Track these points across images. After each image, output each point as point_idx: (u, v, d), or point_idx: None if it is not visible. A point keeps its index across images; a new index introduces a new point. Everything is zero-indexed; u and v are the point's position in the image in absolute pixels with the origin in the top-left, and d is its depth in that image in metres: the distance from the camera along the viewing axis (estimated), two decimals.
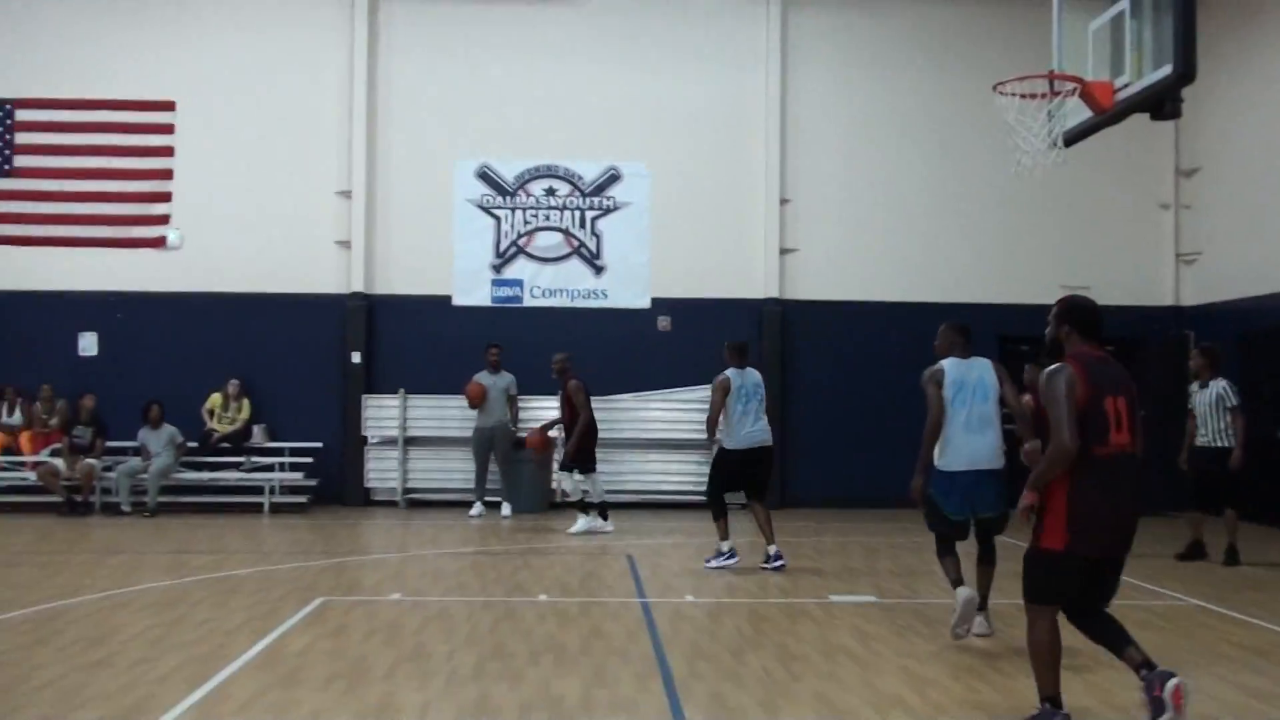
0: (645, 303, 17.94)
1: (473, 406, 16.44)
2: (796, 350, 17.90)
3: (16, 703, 6.48)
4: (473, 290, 17.89)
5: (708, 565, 11.76)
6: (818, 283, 18.03)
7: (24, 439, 16.87)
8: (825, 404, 17.78)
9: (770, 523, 11.72)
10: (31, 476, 16.47)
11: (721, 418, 11.70)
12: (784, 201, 17.96)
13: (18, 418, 16.98)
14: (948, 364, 8.62)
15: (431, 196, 17.86)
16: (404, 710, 6.45)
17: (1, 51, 17.72)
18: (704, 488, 17.35)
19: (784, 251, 17.96)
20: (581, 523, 14.58)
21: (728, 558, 11.72)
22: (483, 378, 16.49)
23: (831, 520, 15.96)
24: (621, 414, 17.17)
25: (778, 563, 11.55)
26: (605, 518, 14.78)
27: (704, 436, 17.16)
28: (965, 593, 8.30)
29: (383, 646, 7.97)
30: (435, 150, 17.88)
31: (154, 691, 6.74)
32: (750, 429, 11.72)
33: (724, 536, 11.78)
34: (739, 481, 11.86)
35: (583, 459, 14.75)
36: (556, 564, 12.06)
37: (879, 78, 18.21)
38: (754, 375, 11.95)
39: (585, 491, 14.75)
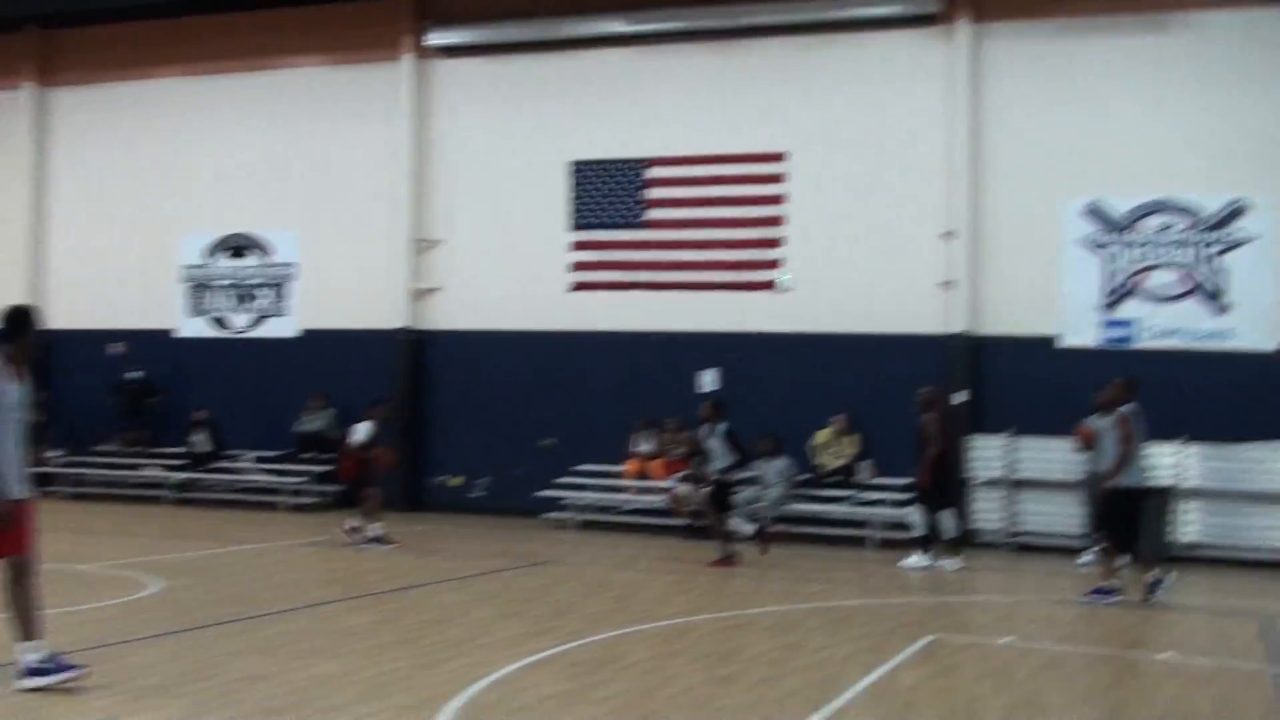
0: (1275, 344, 16.43)
1: (1083, 450, 15.84)
2: None
3: (655, 707, 7.07)
4: (1080, 331, 17.27)
5: (1086, 600, 12.00)
6: None
7: (655, 466, 18.45)
8: None
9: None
10: (661, 501, 17.98)
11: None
12: None
13: (649, 446, 18.63)
14: None
15: (1037, 235, 17.48)
16: None
17: (637, 117, 19.59)
18: None
19: None
20: (914, 559, 14.65)
21: (1111, 594, 11.96)
22: (1095, 421, 15.84)
23: None
24: (1245, 465, 15.79)
25: (1161, 587, 11.92)
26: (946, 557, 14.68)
27: None
28: None
29: (994, 691, 7.87)
30: (1040, 188, 17.48)
31: (774, 712, 7.09)
32: (1141, 466, 12.32)
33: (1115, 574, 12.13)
34: (1130, 520, 12.09)
35: (933, 494, 14.75)
36: (1182, 620, 11.32)
37: None
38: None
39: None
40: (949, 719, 7.07)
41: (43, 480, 21.72)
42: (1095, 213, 17.30)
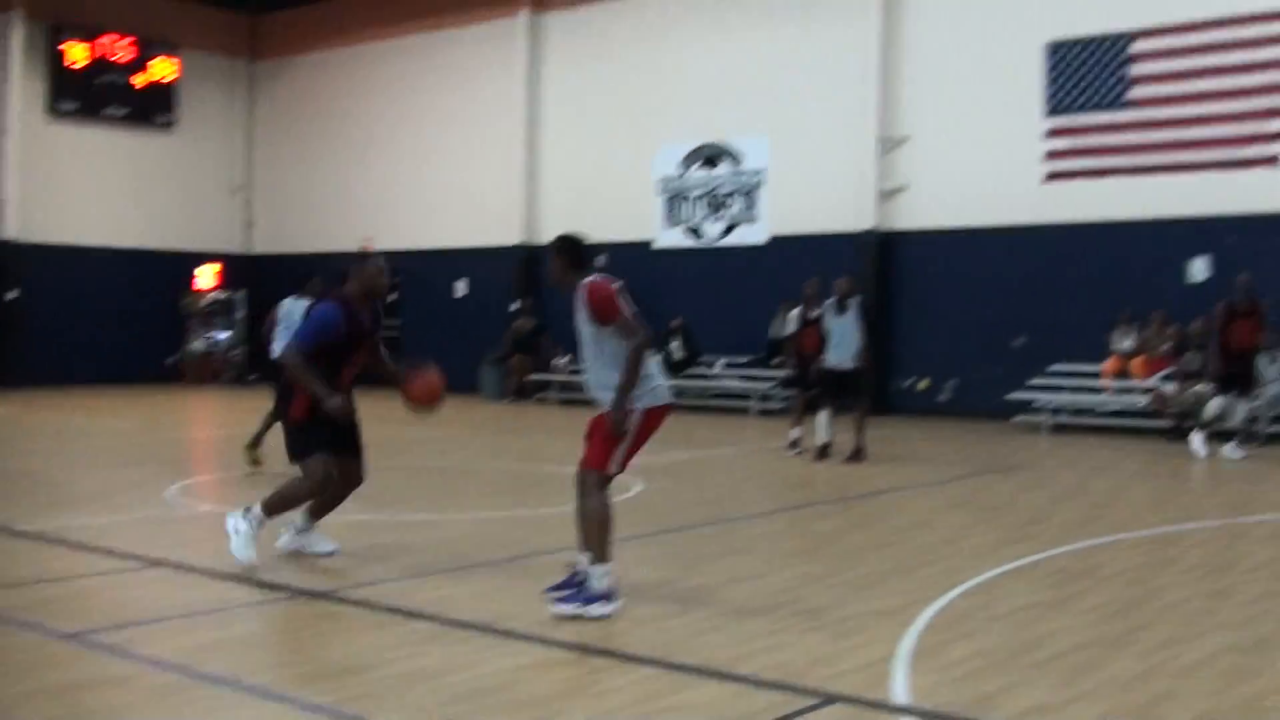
0: None
1: None
2: None
3: (1145, 620, 6.66)
4: None
5: None
6: None
7: (1137, 364, 17.35)
8: None
9: None
10: (1142, 401, 16.89)
11: None
12: None
13: (1130, 343, 17.52)
14: None
15: None
16: None
17: None
18: None
19: None
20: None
21: None
22: None
23: None
24: None
25: None
26: None
27: None
28: None
29: None
30: None
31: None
32: None
33: None
34: None
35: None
36: None
37: None
38: None
39: None
40: None
41: (540, 388, 23.54)
42: None
